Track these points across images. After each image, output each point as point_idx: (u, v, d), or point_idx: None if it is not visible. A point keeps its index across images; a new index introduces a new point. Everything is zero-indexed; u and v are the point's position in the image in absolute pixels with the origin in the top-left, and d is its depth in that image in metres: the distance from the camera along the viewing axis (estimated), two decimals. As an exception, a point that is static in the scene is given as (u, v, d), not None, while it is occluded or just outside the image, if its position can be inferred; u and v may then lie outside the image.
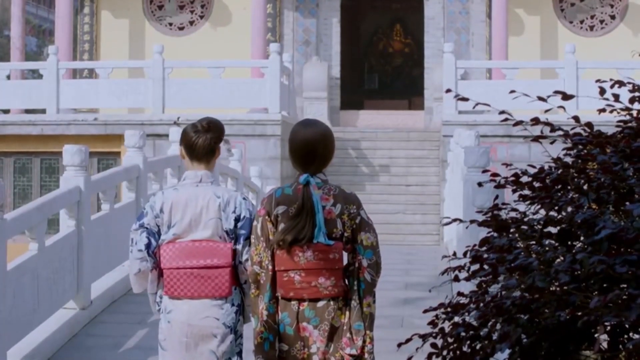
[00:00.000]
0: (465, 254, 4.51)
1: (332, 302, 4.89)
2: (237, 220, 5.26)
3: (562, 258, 3.99)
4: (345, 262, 4.93)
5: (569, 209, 4.24)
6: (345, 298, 4.91)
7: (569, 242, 4.21)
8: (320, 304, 4.89)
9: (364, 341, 4.87)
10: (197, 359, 5.23)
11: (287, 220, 4.87)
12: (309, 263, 4.86)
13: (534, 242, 4.27)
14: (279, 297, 4.93)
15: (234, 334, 5.28)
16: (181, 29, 26.52)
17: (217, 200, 5.26)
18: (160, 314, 5.32)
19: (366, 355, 4.87)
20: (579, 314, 3.71)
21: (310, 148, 4.91)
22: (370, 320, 4.89)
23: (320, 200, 4.88)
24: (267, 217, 4.93)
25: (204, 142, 5.32)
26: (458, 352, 4.32)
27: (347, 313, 4.89)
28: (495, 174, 4.60)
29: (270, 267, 4.93)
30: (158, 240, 5.23)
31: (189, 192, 5.26)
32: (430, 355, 4.37)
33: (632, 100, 4.54)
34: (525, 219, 4.41)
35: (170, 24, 26.57)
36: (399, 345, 4.64)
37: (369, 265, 4.86)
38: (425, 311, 4.66)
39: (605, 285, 3.87)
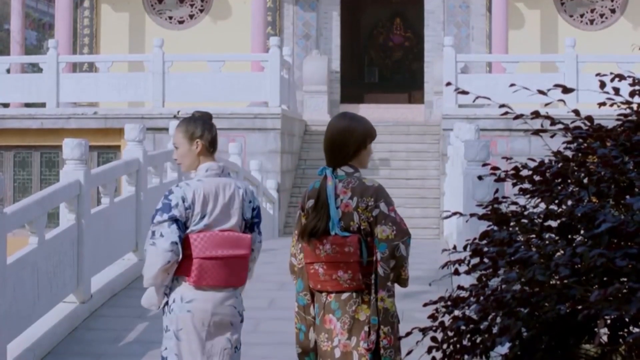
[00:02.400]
0: (465, 248, 4.50)
1: (354, 295, 4.92)
2: (253, 209, 5.44)
3: (562, 251, 3.99)
4: (365, 255, 4.93)
5: (569, 202, 4.23)
6: (370, 292, 4.94)
7: (569, 236, 4.21)
8: (344, 296, 4.94)
9: (378, 336, 4.87)
10: (214, 348, 5.32)
11: (311, 213, 4.99)
12: (328, 256, 4.92)
13: (534, 236, 4.27)
14: (312, 289, 5.03)
15: (242, 322, 5.42)
16: (181, 22, 26.50)
17: (240, 190, 5.41)
18: (170, 304, 5.30)
19: (382, 351, 4.87)
20: (579, 307, 3.71)
21: (329, 142, 5.02)
22: (385, 315, 4.88)
23: (340, 194, 4.93)
24: (301, 211, 5.08)
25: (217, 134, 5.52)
26: (458, 345, 4.32)
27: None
28: (495, 168, 4.60)
29: (299, 259, 5.07)
30: (184, 232, 5.27)
31: (215, 183, 5.37)
32: (430, 349, 4.37)
33: (632, 94, 4.53)
34: (526, 213, 4.40)
35: (170, 18, 26.55)
36: (400, 338, 4.64)
37: (382, 259, 4.86)
38: (425, 305, 4.66)
39: (605, 278, 3.87)
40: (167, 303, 5.33)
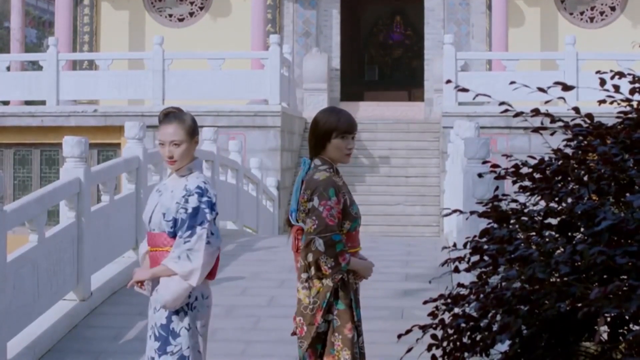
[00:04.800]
0: (465, 245, 4.50)
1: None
2: None
3: (562, 249, 3.99)
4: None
5: (569, 200, 4.23)
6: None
7: (569, 233, 4.20)
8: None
9: (296, 325, 5.02)
10: None
11: None
12: (292, 244, 5.15)
13: (534, 233, 4.27)
14: None
15: None
16: (181, 20, 26.50)
17: None
18: (192, 303, 5.27)
19: (298, 341, 5.01)
20: (579, 305, 3.71)
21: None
22: (298, 305, 5.01)
23: (303, 185, 5.06)
24: None
25: None
26: (458, 343, 4.32)
27: None
28: (495, 165, 4.60)
29: None
30: None
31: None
32: (430, 347, 4.36)
33: (632, 92, 4.53)
34: (526, 210, 4.40)
35: (170, 15, 26.54)
36: (399, 336, 4.63)
37: (301, 251, 4.98)
38: (425, 302, 4.66)
39: (605, 276, 3.86)
40: (187, 303, 5.27)
